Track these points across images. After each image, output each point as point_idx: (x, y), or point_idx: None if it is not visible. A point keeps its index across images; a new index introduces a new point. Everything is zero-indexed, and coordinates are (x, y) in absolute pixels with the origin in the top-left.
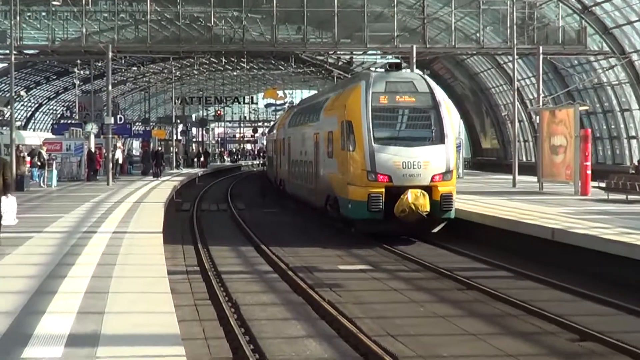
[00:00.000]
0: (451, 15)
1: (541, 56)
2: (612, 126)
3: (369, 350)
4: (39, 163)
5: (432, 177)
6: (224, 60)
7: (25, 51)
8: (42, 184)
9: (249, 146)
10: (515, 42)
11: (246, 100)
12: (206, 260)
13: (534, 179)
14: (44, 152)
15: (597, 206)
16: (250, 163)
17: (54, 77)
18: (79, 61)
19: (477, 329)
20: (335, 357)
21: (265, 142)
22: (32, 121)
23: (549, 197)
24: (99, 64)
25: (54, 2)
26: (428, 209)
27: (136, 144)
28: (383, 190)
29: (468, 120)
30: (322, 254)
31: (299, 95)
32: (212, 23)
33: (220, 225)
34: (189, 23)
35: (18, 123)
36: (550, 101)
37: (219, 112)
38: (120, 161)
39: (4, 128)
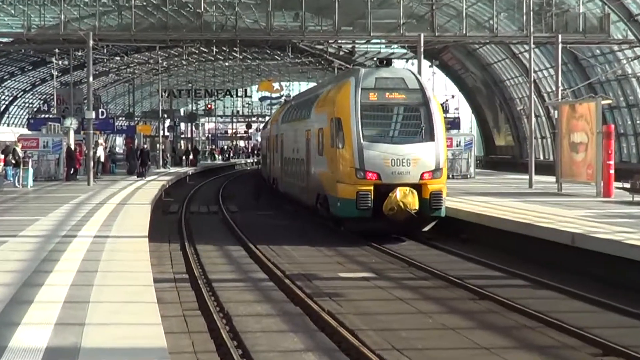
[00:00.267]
0: (462, 0)
1: (560, 45)
2: (638, 121)
3: None
4: (13, 161)
5: (422, 175)
6: (214, 49)
7: None
8: (17, 184)
9: (242, 143)
10: (531, 30)
11: (239, 93)
12: (195, 267)
13: (552, 179)
14: (19, 150)
15: (621, 209)
16: (243, 161)
17: (30, 68)
18: (57, 50)
19: (490, 342)
20: None
21: (259, 139)
22: (6, 115)
23: (569, 199)
24: (79, 54)
25: None
26: (417, 207)
27: (119, 141)
28: (372, 188)
29: (480, 115)
30: (321, 260)
31: (296, 87)
32: (202, 9)
33: (211, 229)
34: (177, 9)
35: None
36: (570, 94)
37: (209, 106)
38: (102, 159)
39: None
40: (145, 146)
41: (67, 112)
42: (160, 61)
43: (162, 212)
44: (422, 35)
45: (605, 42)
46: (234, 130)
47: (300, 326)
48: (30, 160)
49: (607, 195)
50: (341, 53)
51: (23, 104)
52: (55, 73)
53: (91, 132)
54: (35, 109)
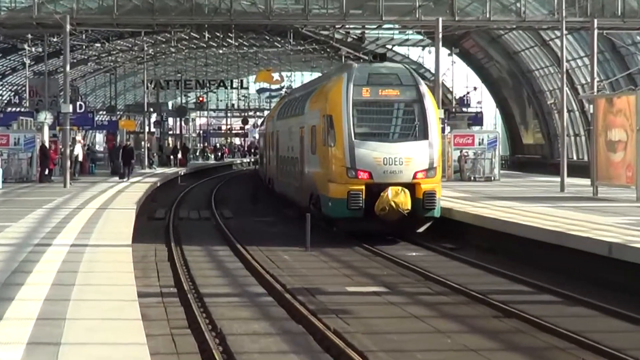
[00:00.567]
0: None
1: (596, 31)
2: None
3: None
4: None
5: (415, 174)
6: (207, 35)
7: None
8: None
9: (237, 140)
10: (564, 14)
11: (234, 85)
12: (185, 280)
13: (587, 182)
14: None
15: None
16: (239, 161)
17: None
18: (29, 36)
19: None
20: None
21: (257, 136)
22: None
23: (605, 204)
24: (54, 40)
25: None
26: (409, 207)
27: (99, 138)
28: (363, 187)
29: (505, 110)
30: (326, 272)
31: (298, 78)
32: None
33: (203, 237)
34: None
35: None
36: (607, 86)
37: (201, 98)
38: (80, 158)
39: None
40: (129, 143)
41: (41, 106)
42: (145, 48)
43: (147, 218)
44: (440, 19)
45: None
46: (229, 126)
47: (302, 347)
48: None
49: None
50: (349, 40)
51: None
52: (27, 61)
53: (68, 127)
54: (5, 102)
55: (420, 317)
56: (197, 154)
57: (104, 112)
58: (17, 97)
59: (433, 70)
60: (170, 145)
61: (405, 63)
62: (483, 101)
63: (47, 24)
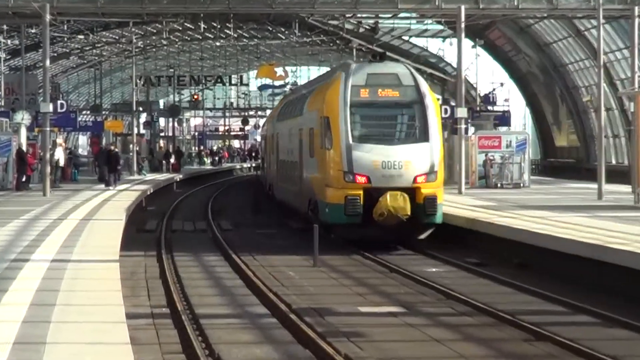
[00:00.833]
0: None
1: (637, 20)
2: None
3: None
4: None
5: (415, 178)
6: (203, 26)
7: None
8: None
9: (237, 143)
10: (601, 1)
11: (233, 81)
12: (178, 299)
13: (628, 188)
14: None
15: None
16: (238, 166)
17: None
18: (5, 27)
19: None
20: None
21: (258, 138)
22: None
23: None
24: (32, 31)
25: None
26: (409, 213)
27: (83, 140)
28: (361, 192)
29: (536, 108)
30: (336, 290)
31: (305, 74)
32: None
33: (198, 252)
34: None
35: None
36: None
37: (196, 96)
38: (62, 163)
39: None
40: (114, 148)
41: (18, 105)
42: (134, 40)
43: (136, 230)
44: (462, 7)
45: None
46: (227, 127)
47: None
48: None
49: None
50: (361, 30)
51: None
52: (2, 55)
53: (48, 129)
54: None
55: (441, 340)
56: (192, 158)
57: (88, 112)
58: None
59: (455, 65)
60: (162, 149)
61: (424, 57)
62: (511, 99)
63: (24, 14)
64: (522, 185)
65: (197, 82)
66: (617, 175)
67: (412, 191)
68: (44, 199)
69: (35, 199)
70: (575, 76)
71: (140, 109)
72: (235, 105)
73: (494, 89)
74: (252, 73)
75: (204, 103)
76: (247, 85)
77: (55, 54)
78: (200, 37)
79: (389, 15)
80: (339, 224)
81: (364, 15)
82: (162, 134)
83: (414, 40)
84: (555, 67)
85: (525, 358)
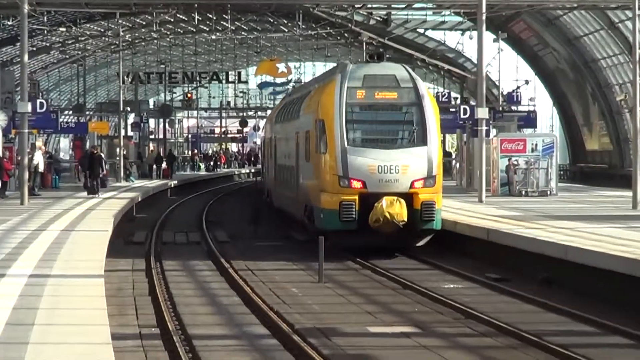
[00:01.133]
0: None
1: None
2: None
3: None
4: None
5: (412, 183)
6: (197, 17)
7: None
8: None
9: (234, 146)
10: None
11: (230, 78)
12: (169, 319)
13: None
14: None
15: None
16: (236, 172)
17: None
18: None
19: None
20: None
21: (258, 141)
22: None
23: None
24: (9, 23)
25: None
26: (405, 219)
27: (65, 144)
28: (356, 197)
29: (564, 108)
30: (344, 309)
31: (309, 70)
32: None
33: (191, 266)
34: None
35: None
36: None
37: (189, 95)
38: (41, 169)
39: None
40: (96, 151)
41: None
42: (121, 34)
43: (124, 242)
44: None
45: None
46: (224, 129)
47: None
48: None
49: None
50: (372, 22)
51: None
52: None
53: (26, 131)
54: None
55: None
56: (186, 163)
57: (70, 112)
58: None
59: (475, 60)
60: (153, 153)
61: (441, 51)
62: (537, 98)
63: (1, 3)
64: (549, 193)
65: (190, 79)
66: None
67: (409, 196)
68: (21, 208)
69: (12, 208)
70: (608, 73)
71: (128, 109)
72: (232, 105)
73: (518, 87)
74: (252, 69)
75: (198, 102)
76: (246, 83)
77: (34, 49)
78: (194, 30)
79: (403, 6)
80: (334, 230)
81: (374, 6)
82: (152, 137)
83: (430, 33)
84: (586, 63)
85: None
